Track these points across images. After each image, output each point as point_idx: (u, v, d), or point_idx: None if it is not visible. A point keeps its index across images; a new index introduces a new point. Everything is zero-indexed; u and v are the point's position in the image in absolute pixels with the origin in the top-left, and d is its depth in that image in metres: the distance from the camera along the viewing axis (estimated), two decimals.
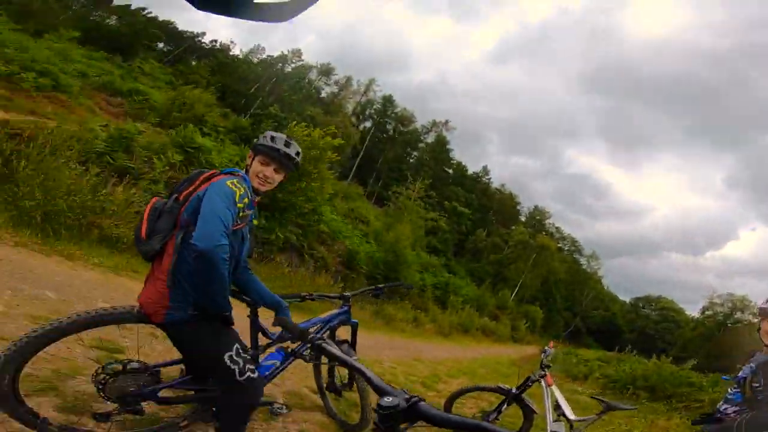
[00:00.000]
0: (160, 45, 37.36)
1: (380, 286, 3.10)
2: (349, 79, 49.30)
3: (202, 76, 29.04)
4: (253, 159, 2.01)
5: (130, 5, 33.24)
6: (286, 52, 46.25)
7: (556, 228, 57.31)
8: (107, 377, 1.84)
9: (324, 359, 2.91)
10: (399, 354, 7.71)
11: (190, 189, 1.85)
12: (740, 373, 2.20)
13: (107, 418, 1.92)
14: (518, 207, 56.94)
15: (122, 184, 6.60)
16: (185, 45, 38.33)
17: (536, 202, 62.33)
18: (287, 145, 1.99)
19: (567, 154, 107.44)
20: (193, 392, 2.13)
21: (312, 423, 3.05)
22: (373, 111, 50.47)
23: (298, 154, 2.03)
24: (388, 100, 50.59)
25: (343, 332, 2.92)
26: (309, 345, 2.42)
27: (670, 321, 53.30)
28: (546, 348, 3.62)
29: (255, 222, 2.13)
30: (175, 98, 17.02)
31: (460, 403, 5.21)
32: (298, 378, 3.94)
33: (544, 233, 50.13)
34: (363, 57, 73.34)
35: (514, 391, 3.47)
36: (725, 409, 2.17)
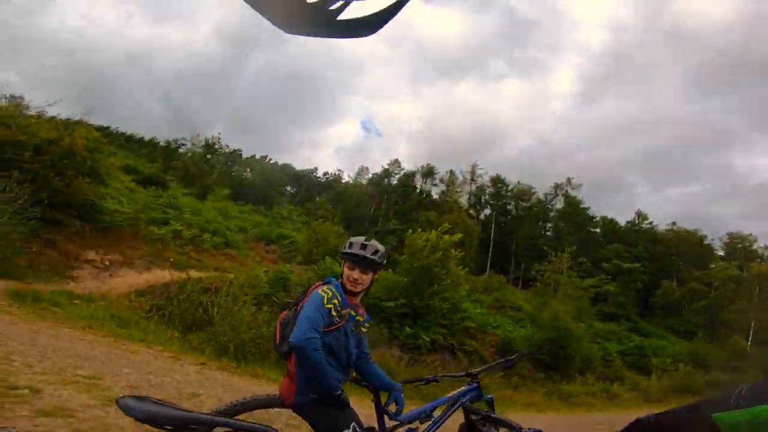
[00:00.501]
0: (288, 188, 44.84)
1: (510, 357, 2.93)
2: (452, 173, 49.02)
3: (326, 210, 32.77)
4: (343, 264, 2.30)
5: (254, 155, 40.67)
6: (386, 166, 48.96)
7: None
8: None
9: None
10: (584, 429, 6.61)
11: (304, 299, 2.21)
12: None
13: None
14: (706, 242, 45.77)
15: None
16: (305, 185, 45.06)
17: (727, 230, 49.26)
18: (363, 247, 2.21)
19: (738, 165, 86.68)
20: None
21: None
22: (487, 197, 48.76)
23: (376, 252, 2.22)
24: (498, 180, 48.44)
25: None
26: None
27: None
28: None
29: (360, 318, 2.34)
30: (310, 236, 19.67)
31: None
32: None
33: (759, 260, 38.82)
34: (455, 148, 72.00)
35: None
36: None
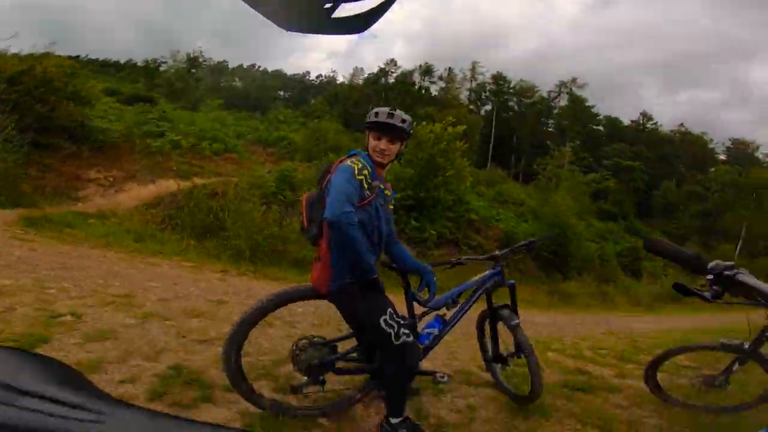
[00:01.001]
0: (281, 93, 44.12)
1: (532, 240, 2.87)
2: (450, 70, 48.09)
3: (323, 111, 32.49)
4: (368, 135, 2.14)
5: (241, 65, 39.45)
6: (382, 66, 47.77)
7: None
8: (299, 351, 2.22)
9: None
10: (583, 329, 6.88)
11: (328, 177, 2.06)
12: None
13: (299, 390, 2.28)
14: (711, 146, 45.74)
15: (296, 216, 8.08)
16: (299, 89, 44.16)
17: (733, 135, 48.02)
18: (390, 116, 2.06)
19: (754, 77, 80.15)
20: (362, 364, 2.35)
21: (480, 397, 2.91)
22: (488, 93, 47.90)
23: (404, 121, 2.08)
24: (499, 78, 47.17)
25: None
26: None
27: None
28: None
29: (387, 192, 2.23)
30: (309, 135, 19.51)
31: (667, 370, 4.32)
32: (466, 357, 3.88)
33: (759, 167, 38.68)
34: (455, 49, 69.63)
35: (748, 346, 2.68)
36: None
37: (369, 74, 48.66)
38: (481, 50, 78.29)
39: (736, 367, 2.80)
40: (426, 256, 10.36)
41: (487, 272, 2.69)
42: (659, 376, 3.15)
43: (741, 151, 43.90)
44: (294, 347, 2.23)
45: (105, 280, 4.08)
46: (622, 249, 20.02)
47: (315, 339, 2.25)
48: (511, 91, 47.70)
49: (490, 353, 2.99)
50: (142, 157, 10.88)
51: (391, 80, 47.08)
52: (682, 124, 46.78)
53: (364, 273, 1.95)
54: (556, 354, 4.55)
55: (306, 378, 2.24)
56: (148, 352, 2.65)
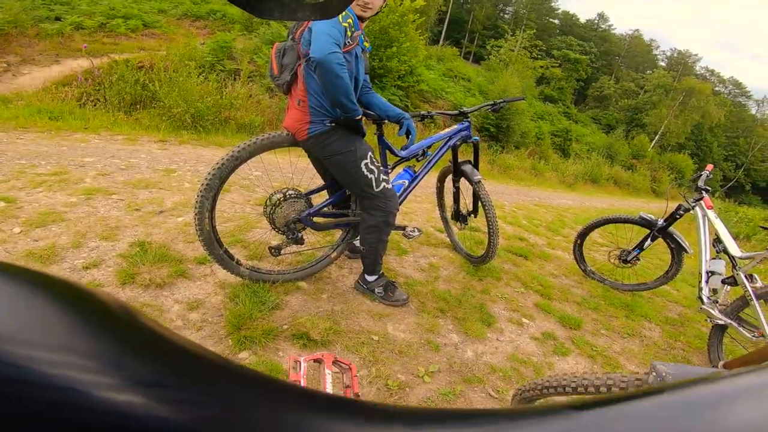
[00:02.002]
0: None
1: (498, 101, 2.88)
2: None
3: None
4: None
5: None
6: None
7: (710, 71, 48.13)
8: (273, 207, 2.16)
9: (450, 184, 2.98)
10: (519, 200, 7.57)
11: (302, 28, 1.96)
12: None
13: (279, 250, 2.29)
14: (655, 53, 48.57)
15: (239, 83, 7.54)
16: None
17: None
18: None
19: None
20: (340, 217, 2.38)
21: (440, 257, 3.22)
22: None
23: None
24: None
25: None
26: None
27: None
28: (703, 171, 2.99)
29: (366, 44, 2.15)
30: None
31: (593, 242, 5.05)
32: (424, 218, 4.18)
33: (693, 77, 41.65)
34: None
35: (660, 222, 3.05)
36: None
37: None
38: None
39: (647, 243, 3.17)
40: (377, 122, 10.51)
41: (456, 126, 2.74)
42: (585, 246, 3.66)
43: (680, 61, 46.53)
44: (267, 203, 2.18)
45: (28, 160, 3.53)
46: (557, 130, 21.14)
47: (289, 192, 2.19)
48: None
49: (448, 212, 3.18)
50: (39, 41, 9.00)
51: None
52: (636, 30, 49.30)
53: (349, 113, 1.91)
54: (498, 220, 5.02)
55: (285, 237, 2.24)
56: (102, 231, 2.46)
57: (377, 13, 2.04)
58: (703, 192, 2.88)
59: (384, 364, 1.89)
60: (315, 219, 2.28)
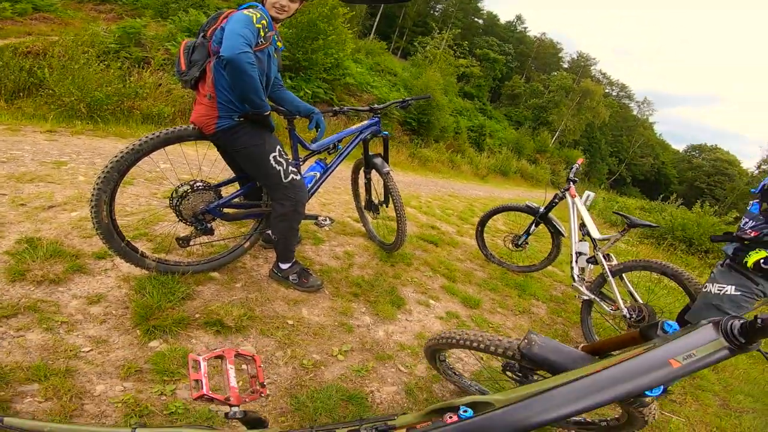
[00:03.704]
0: None
1: (406, 98, 3.06)
2: None
3: None
4: None
5: None
6: None
7: (603, 74, 54.25)
8: (180, 199, 2.14)
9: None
10: (435, 191, 8.02)
11: (215, 26, 2.00)
12: (761, 183, 2.08)
13: (187, 241, 2.26)
14: (560, 55, 53.89)
15: (147, 71, 7.03)
16: None
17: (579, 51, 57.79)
18: None
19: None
20: (250, 208, 2.42)
21: (355, 245, 3.38)
22: None
23: None
24: None
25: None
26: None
27: (723, 174, 49.88)
28: (574, 164, 3.48)
29: (279, 44, 2.21)
30: None
31: (496, 230, 5.58)
32: (342, 209, 4.31)
33: (589, 79, 46.69)
34: None
35: (541, 210, 3.51)
36: (744, 224, 2.08)
37: None
38: None
39: (533, 228, 3.63)
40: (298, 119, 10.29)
41: (366, 121, 2.89)
42: (485, 236, 4.06)
43: (580, 64, 52.00)
44: (173, 195, 2.15)
45: None
46: (473, 125, 22.48)
47: (197, 184, 2.18)
48: None
49: (362, 202, 3.36)
50: None
51: None
52: (544, 34, 53.64)
53: (258, 109, 1.98)
54: (414, 210, 5.36)
55: (193, 228, 2.24)
56: None
57: (291, 15, 2.13)
58: (571, 183, 3.37)
59: (299, 346, 1.99)
60: (225, 210, 2.30)
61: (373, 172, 3.06)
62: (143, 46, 8.16)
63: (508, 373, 1.44)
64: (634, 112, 55.55)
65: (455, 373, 2.00)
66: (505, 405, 0.66)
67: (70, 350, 1.60)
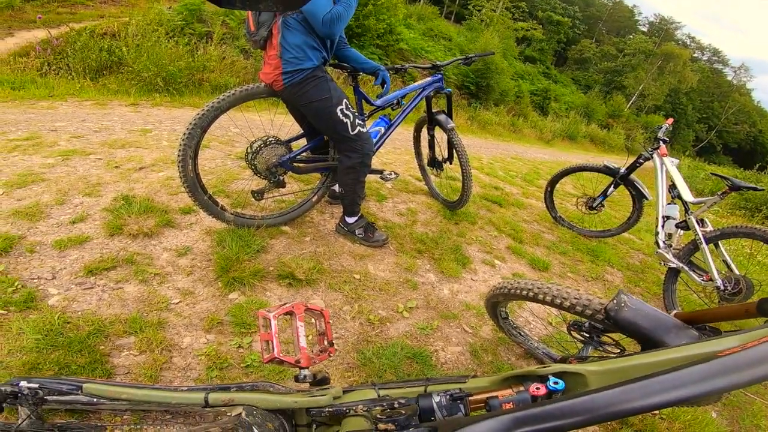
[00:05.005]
0: None
1: (469, 55, 2.96)
2: None
3: None
4: None
5: None
6: None
7: (691, 38, 48.52)
8: (254, 154, 2.24)
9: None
10: (497, 153, 7.74)
11: None
12: None
13: (262, 194, 2.38)
14: (636, 18, 48.64)
15: (212, 45, 7.34)
16: None
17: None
18: None
19: None
20: (319, 162, 2.47)
21: (418, 203, 3.36)
22: None
23: None
24: None
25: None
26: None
27: None
28: (663, 124, 3.12)
29: None
30: None
31: (566, 193, 5.27)
32: (403, 168, 4.29)
33: (673, 43, 42.08)
34: None
35: (623, 171, 3.23)
36: None
37: None
38: None
39: (611, 190, 3.35)
40: (357, 81, 10.38)
41: (429, 78, 2.83)
42: (555, 198, 3.84)
43: (662, 27, 46.65)
44: (248, 150, 2.25)
45: None
46: (536, 89, 21.14)
47: (269, 139, 2.27)
48: None
49: (425, 159, 3.32)
50: None
51: None
52: None
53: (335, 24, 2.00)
54: (476, 171, 5.20)
55: (266, 182, 2.34)
56: (84, 188, 2.48)
57: None
58: (661, 142, 3.03)
59: (365, 301, 2.03)
60: (295, 164, 2.37)
61: (437, 129, 2.99)
62: (205, 21, 8.48)
63: (574, 333, 1.32)
64: (729, 77, 49.24)
65: (520, 333, 1.93)
66: (603, 386, 0.55)
67: (162, 302, 1.72)
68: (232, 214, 2.27)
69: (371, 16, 11.18)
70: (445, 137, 2.93)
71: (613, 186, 3.33)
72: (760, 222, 7.25)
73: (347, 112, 2.17)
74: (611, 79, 37.44)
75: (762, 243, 2.40)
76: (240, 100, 2.08)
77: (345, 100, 2.17)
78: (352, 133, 2.20)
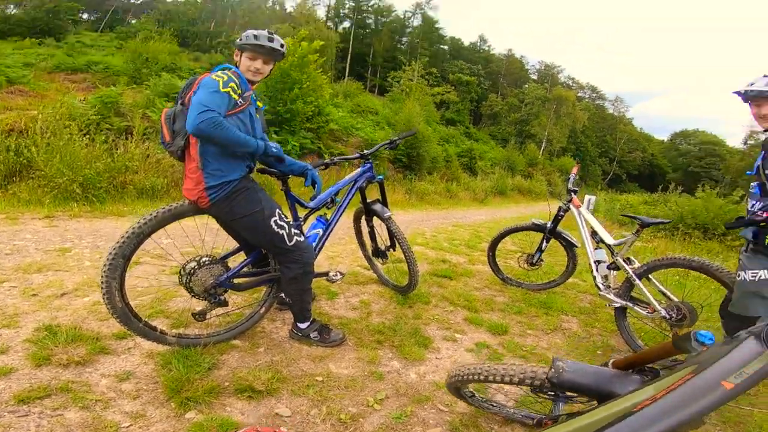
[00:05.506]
0: (85, 16, 35.29)
1: (393, 138, 3.08)
2: None
3: (151, 31, 26.06)
4: (241, 56, 2.12)
5: None
6: None
7: (572, 79, 57.03)
8: (188, 276, 2.12)
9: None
10: (438, 224, 8.02)
11: (190, 92, 1.96)
12: (755, 163, 2.05)
13: (203, 315, 2.23)
14: (527, 67, 56.55)
15: (132, 142, 6.82)
16: (111, 9, 35.87)
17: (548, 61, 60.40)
18: (270, 39, 2.10)
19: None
20: (260, 276, 2.37)
21: (369, 293, 3.33)
22: (347, 10, 49.10)
23: (282, 45, 2.14)
24: None
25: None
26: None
27: (713, 155, 50.22)
28: (570, 175, 3.51)
29: (260, 104, 2.22)
30: (134, 57, 15.92)
31: (507, 251, 5.53)
32: (350, 259, 4.28)
33: (560, 86, 49.15)
34: None
35: (549, 225, 3.49)
36: (752, 206, 2.06)
37: None
38: None
39: (544, 245, 3.60)
40: None
41: (359, 169, 2.86)
42: (498, 260, 4.02)
43: (547, 73, 54.61)
44: (181, 272, 2.14)
45: None
46: (461, 150, 22.84)
47: (203, 260, 2.17)
48: (370, 9, 49.47)
49: (369, 250, 3.32)
50: None
51: None
52: (510, 50, 55.88)
53: (254, 152, 1.97)
54: (421, 247, 5.32)
55: (207, 302, 2.22)
56: (0, 320, 2.22)
57: (267, 76, 2.20)
58: (572, 193, 3.38)
59: (333, 401, 1.92)
60: (235, 281, 2.27)
61: (375, 218, 3.03)
62: (123, 115, 7.92)
63: (540, 393, 1.40)
64: (610, 111, 57.42)
65: (493, 405, 1.93)
66: None
67: (111, 427, 1.59)
68: (173, 336, 2.11)
69: (298, 99, 11.33)
70: (385, 225, 2.96)
71: (545, 241, 3.59)
72: (682, 239, 7.88)
73: (282, 223, 2.11)
74: (521, 129, 42.14)
75: (687, 270, 2.64)
76: (164, 222, 2.00)
77: (278, 209, 2.12)
78: (289, 244, 2.13)
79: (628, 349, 2.78)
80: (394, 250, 3.14)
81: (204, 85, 1.89)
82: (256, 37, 2.07)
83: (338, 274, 2.72)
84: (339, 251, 4.62)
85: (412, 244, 5.32)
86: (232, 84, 1.93)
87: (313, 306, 2.75)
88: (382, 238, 3.18)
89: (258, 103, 2.21)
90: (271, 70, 2.19)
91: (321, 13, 47.33)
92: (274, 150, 2.06)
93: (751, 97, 2.02)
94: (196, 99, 1.83)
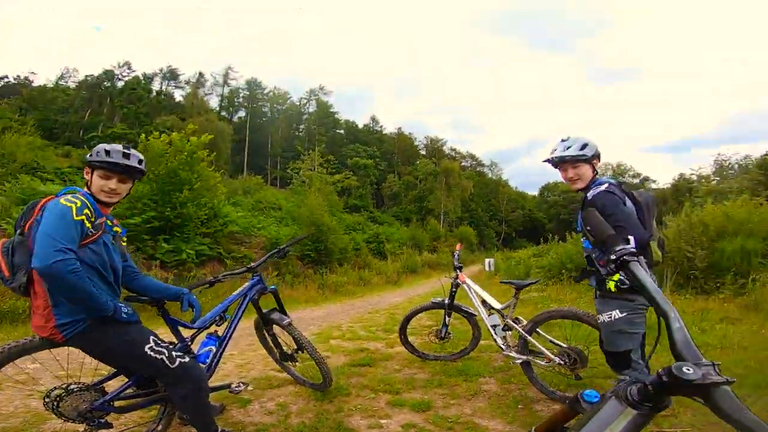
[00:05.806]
0: None
1: (281, 247, 3.04)
2: (200, 75, 47.27)
3: (11, 119, 23.49)
4: (92, 174, 1.93)
5: None
6: (111, 68, 41.83)
7: (454, 150, 63.78)
8: (55, 403, 1.88)
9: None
10: (354, 313, 7.98)
11: (31, 219, 1.78)
12: (578, 220, 2.19)
13: None
14: (416, 143, 61.43)
15: None
16: None
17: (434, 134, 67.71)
18: (126, 156, 1.94)
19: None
20: (147, 396, 2.15)
21: (286, 395, 3.17)
22: (241, 99, 49.77)
23: (141, 162, 2.00)
24: (253, 84, 49.92)
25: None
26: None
27: (575, 202, 58.22)
28: (454, 252, 3.93)
29: (117, 229, 2.05)
30: None
31: (423, 326, 5.68)
32: (263, 364, 4.04)
33: (445, 158, 53.97)
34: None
35: (447, 301, 3.79)
36: (595, 257, 2.18)
37: (87, 76, 40.48)
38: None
39: (448, 319, 3.84)
40: (187, 278, 9.28)
41: (248, 283, 2.79)
42: (414, 338, 4.16)
43: (434, 147, 60.13)
44: (46, 400, 1.90)
45: None
46: (369, 236, 23.59)
47: (71, 386, 1.95)
48: (265, 97, 50.51)
49: (277, 355, 3.22)
50: None
51: (120, 84, 41.18)
52: (399, 128, 60.73)
53: (100, 313, 1.77)
54: (338, 340, 5.26)
55: (86, 426, 1.97)
56: None
57: (126, 196, 2.04)
58: (458, 270, 3.78)
59: None
60: (118, 403, 2.05)
61: (275, 326, 2.99)
62: None
63: None
64: (489, 175, 64.90)
65: None
66: None
67: None
68: None
69: (189, 202, 10.24)
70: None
71: (447, 316, 3.86)
72: (568, 282, 8.43)
73: (159, 348, 1.93)
74: (420, 206, 44.62)
75: (562, 319, 3.02)
76: (12, 358, 1.84)
77: (152, 336, 1.95)
78: (173, 366, 1.94)
79: (545, 398, 2.99)
80: (303, 352, 3.06)
81: (52, 209, 1.71)
82: (108, 153, 1.91)
83: (241, 384, 2.59)
84: (249, 358, 4.34)
85: (327, 338, 5.33)
86: (87, 211, 1.77)
87: (224, 416, 2.56)
88: (287, 344, 3.12)
89: (115, 228, 2.04)
90: (131, 188, 2.04)
91: (214, 103, 47.19)
92: (125, 316, 1.86)
93: (556, 163, 2.34)
94: (45, 230, 1.64)
